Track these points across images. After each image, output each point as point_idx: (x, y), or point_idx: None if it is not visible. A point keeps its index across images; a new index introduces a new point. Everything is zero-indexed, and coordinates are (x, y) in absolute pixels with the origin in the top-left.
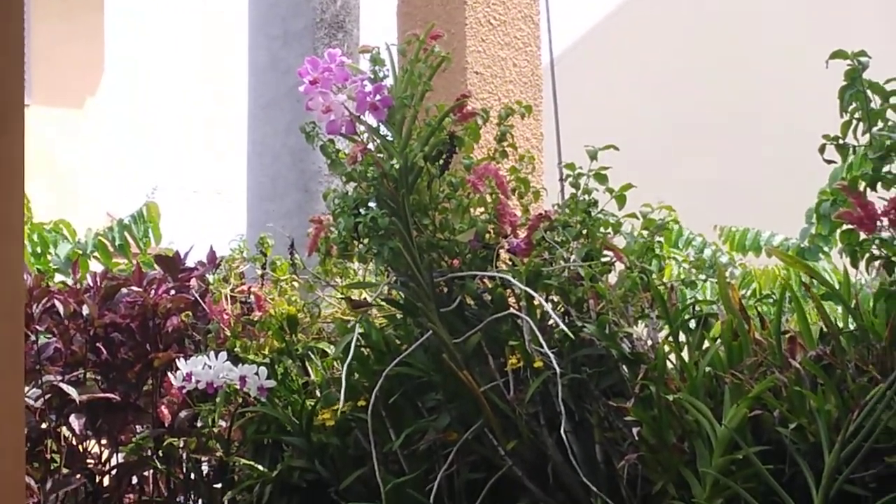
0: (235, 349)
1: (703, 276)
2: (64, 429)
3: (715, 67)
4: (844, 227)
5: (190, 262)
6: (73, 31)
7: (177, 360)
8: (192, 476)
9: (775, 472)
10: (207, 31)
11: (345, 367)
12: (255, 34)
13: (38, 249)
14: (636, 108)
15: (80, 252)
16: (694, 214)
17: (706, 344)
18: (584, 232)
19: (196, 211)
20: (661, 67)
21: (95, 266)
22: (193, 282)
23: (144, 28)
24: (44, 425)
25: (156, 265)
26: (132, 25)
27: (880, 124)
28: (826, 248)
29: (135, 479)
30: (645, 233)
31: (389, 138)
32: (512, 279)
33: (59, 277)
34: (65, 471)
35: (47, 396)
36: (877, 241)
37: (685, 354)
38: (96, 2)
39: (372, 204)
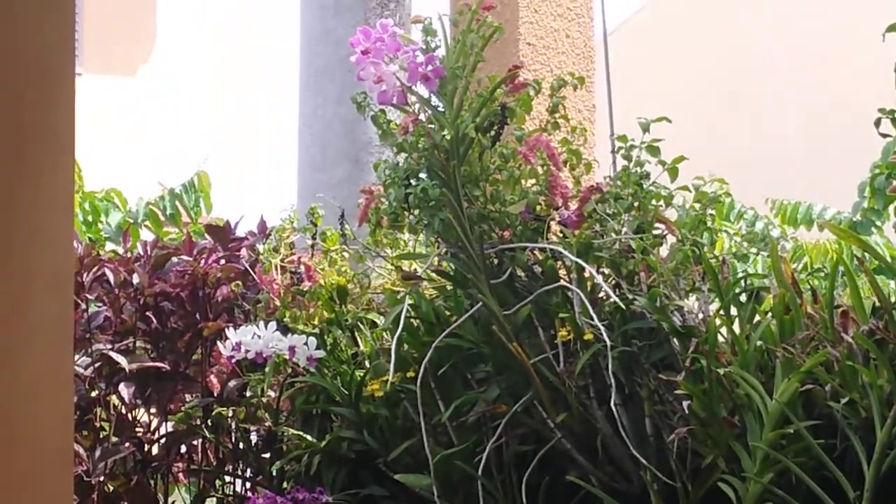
0: (285, 319)
1: (754, 250)
2: (113, 397)
3: (770, 41)
4: None
5: (240, 232)
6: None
7: (226, 330)
8: (241, 445)
9: (826, 447)
10: (261, 4)
11: (395, 339)
12: (307, 3)
13: (90, 218)
14: (689, 81)
15: (132, 221)
16: (746, 188)
17: (757, 318)
18: (636, 204)
19: (247, 181)
20: (715, 40)
21: (147, 235)
22: (244, 251)
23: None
24: (93, 394)
25: (206, 234)
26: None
27: None
28: (879, 223)
29: (183, 448)
30: (697, 206)
31: (441, 109)
32: (563, 251)
33: (109, 246)
34: (114, 439)
35: (97, 365)
36: None
37: (736, 328)
38: None
39: (423, 175)
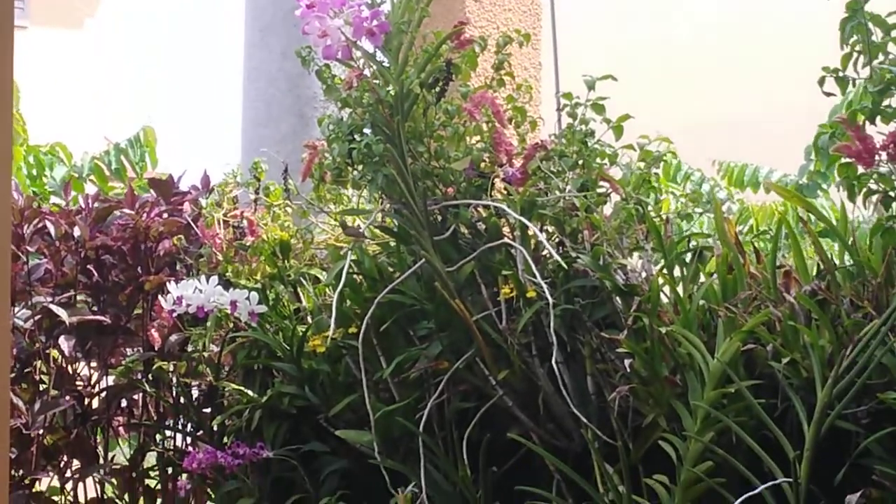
0: (227, 274)
1: (699, 210)
2: (54, 351)
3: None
4: (842, 160)
5: (184, 187)
6: None
7: (168, 284)
8: (182, 400)
9: (767, 407)
10: None
11: (336, 294)
12: None
13: (34, 172)
14: (634, 43)
15: (76, 175)
16: (692, 151)
17: (701, 277)
18: (581, 162)
19: (192, 137)
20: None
21: (92, 190)
22: (186, 206)
23: None
24: (34, 347)
25: (150, 189)
26: None
27: (881, 57)
28: (825, 186)
29: (124, 403)
30: (641, 164)
31: (386, 64)
32: (507, 208)
33: (54, 200)
34: (53, 392)
35: (37, 318)
36: (875, 176)
37: (679, 287)
38: None
39: (367, 130)
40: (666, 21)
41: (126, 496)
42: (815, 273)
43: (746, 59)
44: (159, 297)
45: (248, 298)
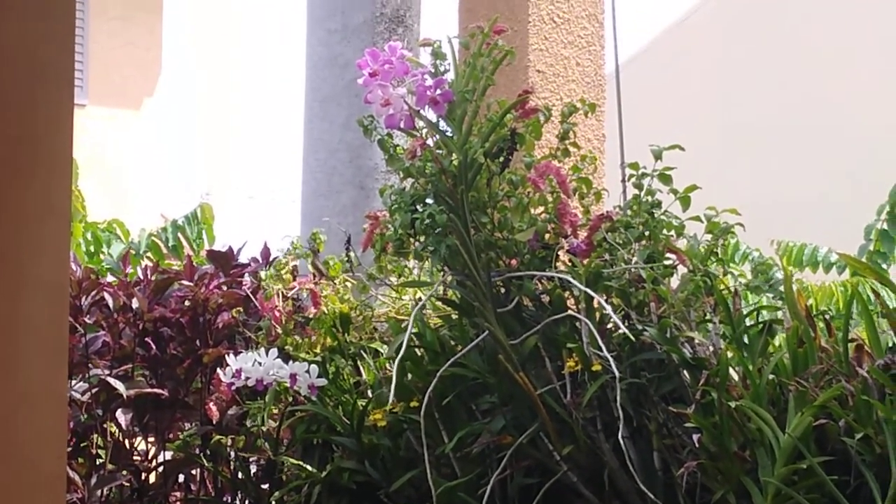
0: (286, 346)
1: (766, 285)
2: (111, 424)
3: (781, 78)
4: None
5: (243, 259)
6: (131, 31)
7: (226, 357)
8: (240, 475)
9: (839, 484)
10: (265, 30)
11: (396, 364)
12: (314, 29)
13: (92, 248)
14: (699, 115)
15: (134, 252)
16: (752, 229)
17: (770, 351)
18: (647, 234)
19: (251, 215)
20: (726, 76)
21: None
22: (246, 278)
23: (202, 29)
24: (90, 420)
25: (208, 261)
26: (190, 26)
27: None
28: (885, 266)
29: (181, 477)
30: (709, 236)
31: (449, 134)
32: (571, 280)
33: (111, 278)
34: (110, 467)
35: (94, 391)
36: None
37: (748, 361)
38: (154, 3)
39: (429, 200)
40: (726, 100)
41: None
42: (887, 347)
43: (803, 141)
44: (218, 370)
45: (307, 371)
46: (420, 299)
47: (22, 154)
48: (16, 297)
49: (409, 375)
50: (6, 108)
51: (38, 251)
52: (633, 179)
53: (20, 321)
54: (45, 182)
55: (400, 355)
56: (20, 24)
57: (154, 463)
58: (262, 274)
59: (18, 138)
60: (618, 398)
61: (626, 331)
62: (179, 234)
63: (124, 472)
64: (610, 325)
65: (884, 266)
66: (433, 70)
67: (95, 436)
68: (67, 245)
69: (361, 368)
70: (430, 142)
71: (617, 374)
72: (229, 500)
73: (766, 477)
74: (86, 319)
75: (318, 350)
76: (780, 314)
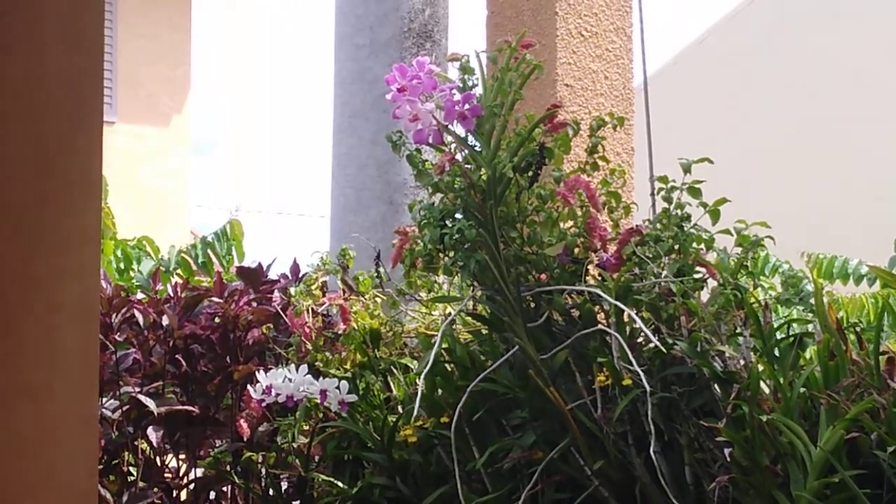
0: (317, 363)
1: (796, 298)
2: (142, 441)
3: (808, 91)
4: None
5: (273, 275)
6: (160, 49)
7: (257, 373)
8: (271, 492)
9: (872, 497)
10: (294, 47)
11: (422, 379)
12: (342, 44)
13: (122, 265)
14: (726, 128)
15: (164, 269)
16: (780, 241)
17: (801, 364)
18: (677, 247)
19: (280, 231)
20: (753, 89)
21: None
22: (276, 294)
23: (230, 47)
24: (121, 438)
25: (238, 277)
26: (218, 44)
27: None
28: None
29: (213, 494)
30: (739, 249)
31: (478, 148)
32: (602, 294)
33: (141, 296)
34: (141, 484)
35: (125, 408)
36: None
37: (779, 374)
38: (182, 21)
39: (458, 215)
40: (753, 114)
41: None
42: None
43: (831, 154)
44: (248, 386)
45: (338, 387)
46: (450, 314)
47: (52, 178)
48: (47, 320)
49: (440, 391)
50: (36, 132)
51: (69, 274)
52: (663, 193)
53: (52, 344)
54: (76, 206)
55: (427, 369)
56: (49, 50)
57: (185, 480)
58: (292, 290)
59: (48, 162)
60: (649, 412)
61: (658, 344)
62: (209, 251)
63: (156, 490)
64: (640, 340)
65: None
66: (461, 85)
67: (127, 453)
68: (98, 267)
69: (392, 384)
70: (458, 157)
71: (648, 388)
72: None
73: (798, 491)
74: (116, 337)
75: (348, 366)
76: (810, 327)
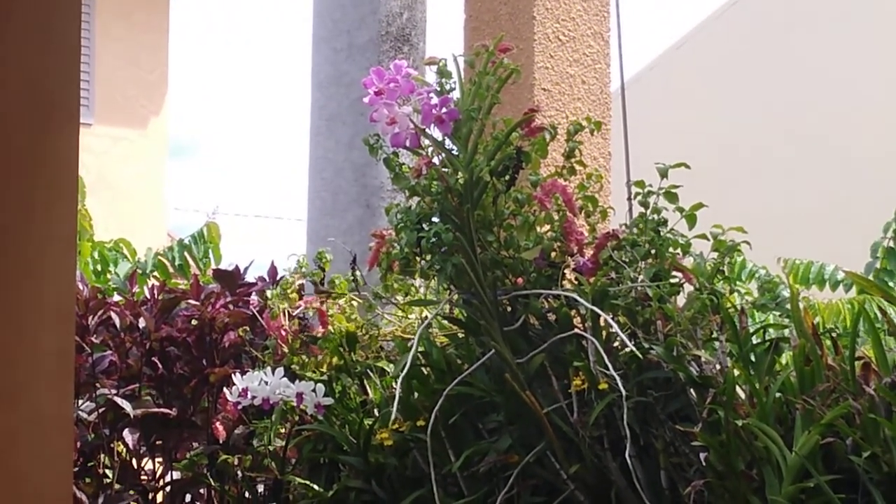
0: (293, 366)
1: (772, 303)
2: (118, 444)
3: (785, 95)
4: None
5: (250, 278)
6: (137, 51)
7: (233, 376)
8: (247, 495)
9: (847, 502)
10: (270, 50)
11: (399, 382)
12: (319, 48)
13: (98, 267)
14: (702, 133)
15: (140, 271)
16: (757, 247)
17: (777, 369)
18: (653, 252)
19: (257, 234)
20: (729, 94)
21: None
22: (252, 297)
23: (208, 50)
24: (97, 440)
25: (214, 280)
26: (195, 47)
27: None
28: (892, 283)
29: (188, 497)
30: (714, 255)
31: (455, 152)
32: (578, 298)
33: (118, 298)
34: (117, 486)
35: (101, 410)
36: None
37: (755, 379)
38: (160, 23)
39: (435, 219)
40: (729, 118)
41: None
42: (894, 364)
43: (808, 159)
44: (224, 389)
45: (314, 390)
46: (426, 318)
47: (27, 180)
48: (22, 322)
49: (416, 394)
50: (12, 134)
51: (45, 276)
52: (639, 197)
53: (27, 346)
54: (53, 207)
55: (404, 373)
56: (24, 51)
57: (161, 483)
58: (269, 293)
59: (24, 164)
60: (625, 417)
61: (633, 349)
62: (186, 254)
63: (131, 492)
64: (616, 344)
65: (890, 284)
66: (439, 88)
67: (102, 455)
68: (73, 269)
69: (368, 387)
70: (435, 160)
71: (623, 392)
72: None
73: (773, 496)
74: (93, 339)
75: (324, 369)
76: (786, 332)
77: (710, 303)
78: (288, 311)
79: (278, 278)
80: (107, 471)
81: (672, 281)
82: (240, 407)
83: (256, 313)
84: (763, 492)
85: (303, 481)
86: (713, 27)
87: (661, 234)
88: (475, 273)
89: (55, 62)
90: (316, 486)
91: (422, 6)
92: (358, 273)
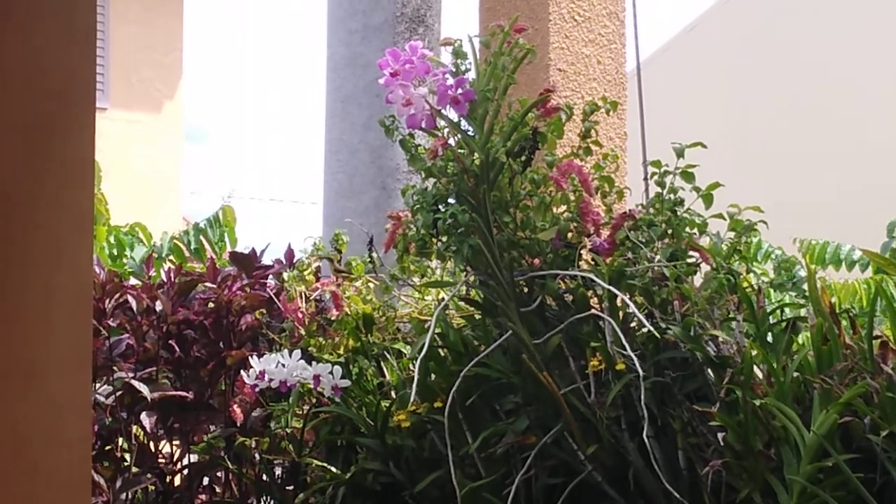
0: (310, 348)
1: (788, 283)
2: (135, 427)
3: (808, 79)
4: None
5: (267, 261)
6: (152, 35)
7: (250, 359)
8: (265, 477)
9: (865, 481)
10: (286, 32)
11: (418, 365)
12: (334, 29)
13: (115, 251)
14: (718, 113)
15: (156, 255)
16: (772, 231)
17: (794, 348)
18: (670, 232)
19: (273, 217)
20: (745, 74)
21: None
22: (269, 280)
23: (222, 33)
24: (115, 423)
25: (231, 262)
26: (210, 30)
27: None
28: None
29: (206, 480)
30: (732, 234)
31: (471, 133)
32: (595, 279)
33: (133, 281)
34: (135, 469)
35: (119, 394)
36: None
37: (772, 358)
38: (175, 7)
39: (451, 200)
40: (745, 99)
41: None
42: None
43: (823, 141)
44: (241, 372)
45: (331, 373)
46: (443, 299)
47: (43, 164)
48: (39, 305)
49: (433, 376)
50: (28, 118)
51: (62, 259)
52: (656, 177)
53: (44, 330)
54: (69, 191)
55: (422, 355)
56: (39, 33)
57: (179, 466)
58: (285, 275)
59: (40, 148)
60: (642, 397)
61: (651, 328)
62: (202, 237)
63: (149, 475)
64: (633, 324)
65: None
66: (454, 69)
67: (120, 439)
68: (91, 252)
69: (385, 369)
70: (451, 141)
71: (641, 372)
72: (254, 502)
73: (791, 475)
74: (110, 322)
75: (341, 351)
76: (803, 312)
77: (727, 282)
78: (305, 294)
79: (295, 261)
80: (124, 454)
81: (689, 261)
82: (257, 389)
83: (273, 296)
84: (781, 471)
85: (320, 464)
86: (728, 7)
87: (678, 213)
88: (492, 254)
89: (70, 45)
90: (333, 469)
91: None
92: (374, 255)
